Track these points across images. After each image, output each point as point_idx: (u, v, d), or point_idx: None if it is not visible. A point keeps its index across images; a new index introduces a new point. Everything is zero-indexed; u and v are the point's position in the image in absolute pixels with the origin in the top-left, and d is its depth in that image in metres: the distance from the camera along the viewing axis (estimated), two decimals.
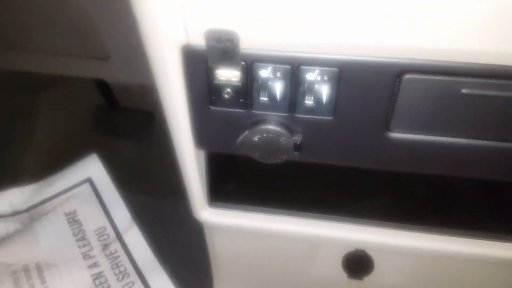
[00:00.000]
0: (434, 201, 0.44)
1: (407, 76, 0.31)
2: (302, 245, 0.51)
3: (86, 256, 0.76)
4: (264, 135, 0.35)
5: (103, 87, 0.81)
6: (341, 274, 0.54)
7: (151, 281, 0.72)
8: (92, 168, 0.86)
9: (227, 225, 0.47)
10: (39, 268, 0.75)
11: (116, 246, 0.77)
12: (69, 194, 0.85)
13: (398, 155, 0.36)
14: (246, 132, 0.35)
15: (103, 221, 0.81)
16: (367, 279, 0.53)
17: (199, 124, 0.36)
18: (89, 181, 0.86)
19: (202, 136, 0.37)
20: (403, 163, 0.37)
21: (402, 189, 0.45)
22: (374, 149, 0.36)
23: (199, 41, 0.31)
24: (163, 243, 0.77)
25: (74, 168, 0.86)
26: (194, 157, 0.41)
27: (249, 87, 0.33)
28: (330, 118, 0.34)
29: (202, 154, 0.42)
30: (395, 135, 0.34)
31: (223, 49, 0.31)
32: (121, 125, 0.86)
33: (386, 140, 0.35)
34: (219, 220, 0.47)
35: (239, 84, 0.33)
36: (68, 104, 0.85)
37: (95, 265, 0.75)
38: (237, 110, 0.35)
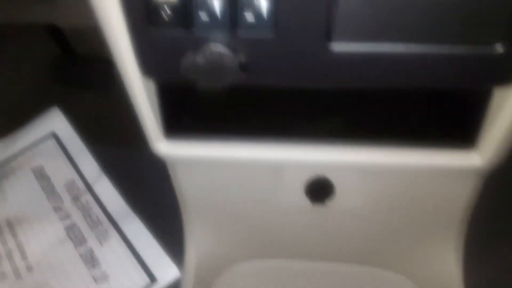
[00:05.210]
0: (386, 116, 0.45)
1: None
2: (264, 174, 0.52)
3: (57, 209, 0.76)
4: (208, 56, 0.35)
5: (56, 35, 0.77)
6: (306, 201, 0.55)
7: (124, 227, 0.73)
8: (55, 122, 0.84)
9: (187, 157, 0.48)
10: (10, 224, 0.75)
11: (87, 197, 0.78)
12: (34, 150, 0.84)
13: (342, 69, 0.36)
14: (188, 54, 0.35)
15: (72, 174, 0.80)
16: (331, 204, 0.55)
17: (141, 49, 0.36)
18: (54, 135, 0.84)
19: (146, 62, 0.37)
20: (349, 78, 0.37)
21: (355, 108, 0.46)
22: (318, 65, 0.36)
23: None
24: (134, 191, 0.77)
25: (36, 123, 0.85)
26: (143, 87, 0.40)
27: (187, 3, 0.33)
28: (271, 33, 0.34)
29: (152, 85, 0.42)
30: (337, 46, 0.34)
31: None
32: (80, 75, 0.84)
33: (329, 53, 0.35)
34: (178, 153, 0.47)
35: (177, 0, 0.32)
36: (21, 57, 0.82)
37: (67, 217, 0.75)
38: (178, 30, 0.34)
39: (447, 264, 0.58)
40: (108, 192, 0.77)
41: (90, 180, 0.79)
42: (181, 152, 0.47)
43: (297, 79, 0.38)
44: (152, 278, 0.66)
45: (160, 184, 0.61)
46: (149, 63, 0.37)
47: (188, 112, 0.46)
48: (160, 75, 0.38)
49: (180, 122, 0.46)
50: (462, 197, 0.51)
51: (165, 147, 0.46)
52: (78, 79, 0.84)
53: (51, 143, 0.84)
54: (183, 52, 0.35)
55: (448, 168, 0.44)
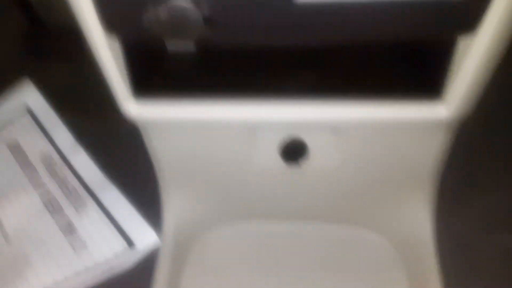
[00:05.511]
0: (353, 70, 0.45)
1: None
2: (238, 135, 0.52)
3: (33, 182, 0.76)
4: (170, 9, 0.34)
5: (24, 5, 0.75)
6: (280, 163, 0.56)
7: (102, 197, 0.73)
8: (28, 95, 0.83)
9: (157, 118, 0.47)
10: None
11: (63, 169, 0.77)
12: (7, 125, 0.83)
13: (307, 23, 0.36)
14: (150, 8, 0.34)
15: (47, 147, 0.80)
16: (305, 165, 0.56)
17: (102, 2, 0.35)
18: (27, 109, 0.83)
19: (108, 16, 0.36)
20: (314, 32, 0.37)
21: (323, 64, 0.46)
22: (282, 19, 0.36)
23: None
24: (111, 161, 0.77)
25: (8, 98, 0.83)
26: (107, 46, 0.40)
27: None
28: None
29: (117, 44, 0.41)
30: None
31: None
32: (50, 46, 0.82)
33: (292, 5, 0.35)
34: (148, 114, 0.47)
35: None
36: None
37: (44, 189, 0.75)
38: None
39: (418, 220, 0.60)
40: (84, 163, 0.77)
41: (65, 152, 0.79)
42: (151, 113, 0.47)
43: (262, 35, 0.38)
44: (130, 243, 0.67)
45: (137, 153, 0.61)
46: (111, 17, 0.36)
47: (157, 71, 0.46)
48: (122, 30, 0.38)
49: (149, 82, 0.45)
50: (432, 151, 0.52)
51: (134, 108, 0.46)
52: (48, 51, 0.83)
53: (25, 117, 0.83)
54: (145, 6, 0.35)
55: (415, 121, 0.45)
